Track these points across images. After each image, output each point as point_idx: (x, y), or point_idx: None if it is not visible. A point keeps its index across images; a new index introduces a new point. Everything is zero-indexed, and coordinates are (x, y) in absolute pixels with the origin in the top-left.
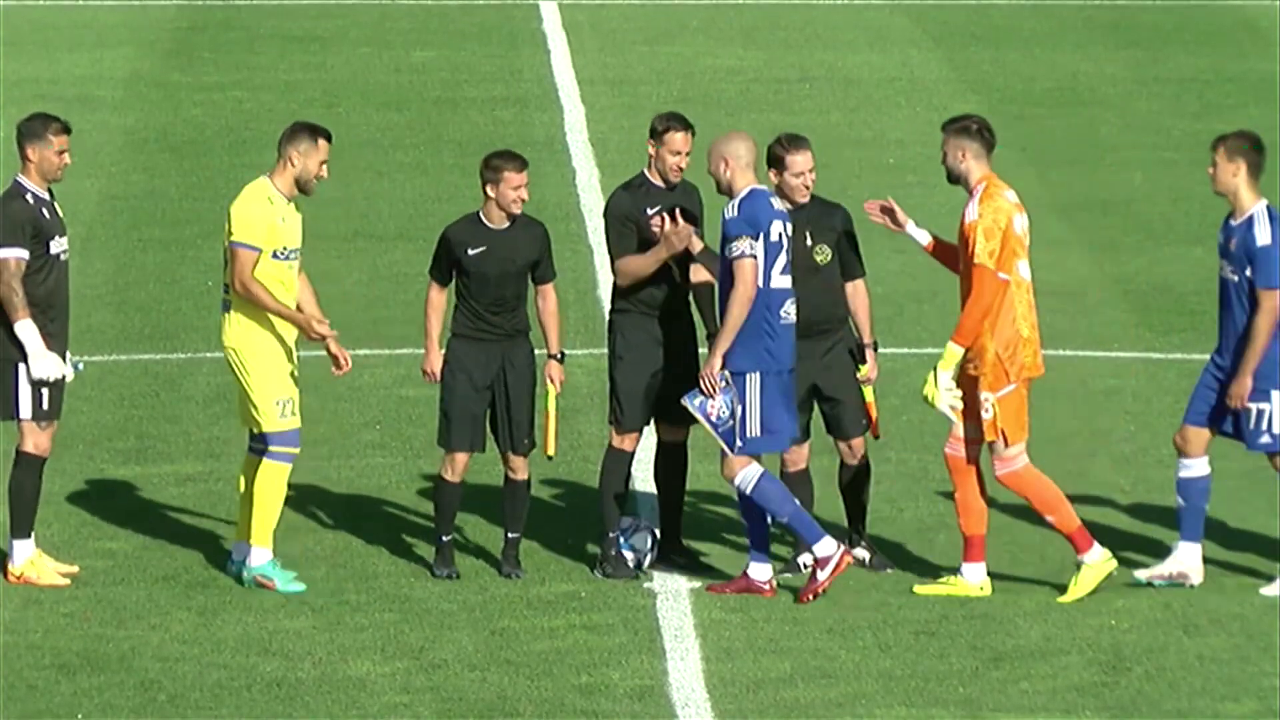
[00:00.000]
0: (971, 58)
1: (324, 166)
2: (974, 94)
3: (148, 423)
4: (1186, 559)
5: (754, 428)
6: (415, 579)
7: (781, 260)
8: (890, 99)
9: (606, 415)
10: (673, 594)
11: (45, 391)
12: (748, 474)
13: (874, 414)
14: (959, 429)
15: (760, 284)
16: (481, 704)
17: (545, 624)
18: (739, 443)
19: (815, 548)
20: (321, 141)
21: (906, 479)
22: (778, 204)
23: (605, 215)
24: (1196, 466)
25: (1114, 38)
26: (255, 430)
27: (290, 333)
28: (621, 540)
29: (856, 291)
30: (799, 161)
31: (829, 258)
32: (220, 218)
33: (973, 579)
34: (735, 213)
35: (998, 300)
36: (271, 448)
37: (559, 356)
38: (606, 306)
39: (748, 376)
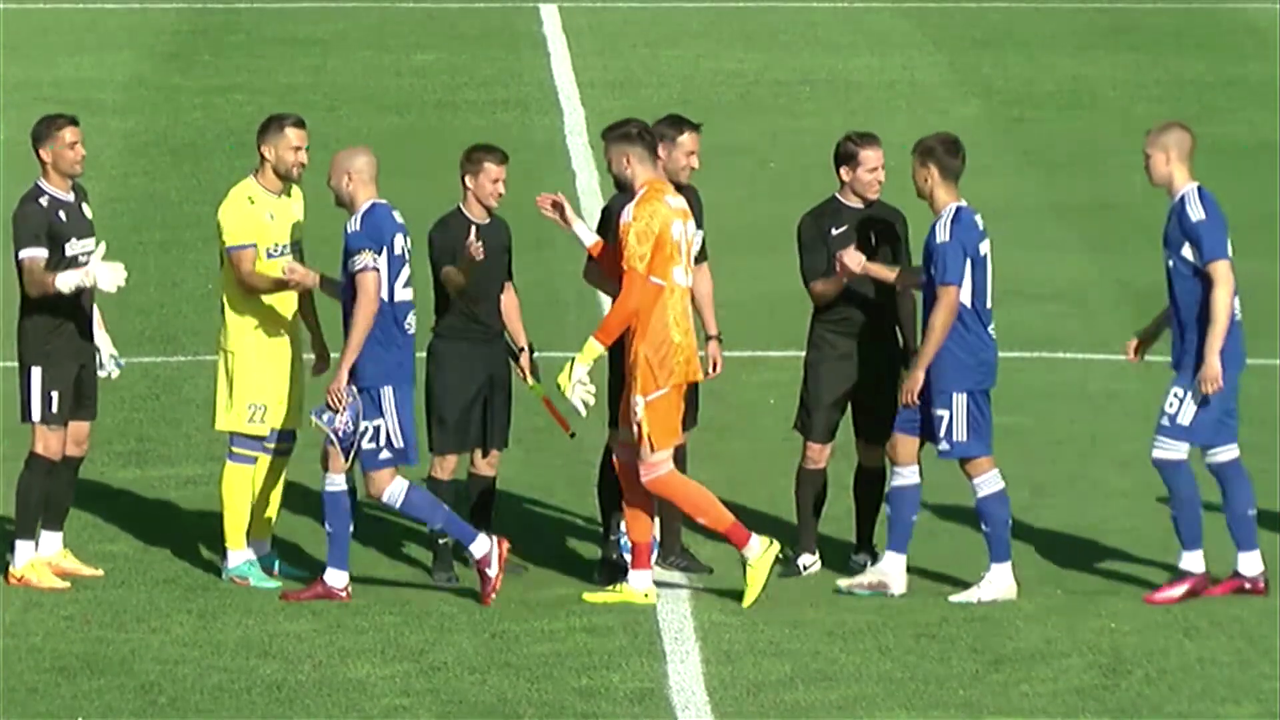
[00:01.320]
0: (972, 61)
1: (300, 152)
2: (974, 97)
3: (148, 425)
4: (889, 568)
5: (397, 439)
6: (415, 581)
7: (405, 273)
8: (891, 102)
9: (606, 419)
10: (672, 596)
11: (56, 395)
12: (393, 490)
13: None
14: (647, 456)
15: (385, 297)
16: (482, 706)
17: (545, 626)
18: (386, 454)
19: (471, 548)
20: (289, 129)
21: None
22: (398, 217)
23: (605, 218)
24: (906, 475)
25: (1114, 41)
26: (218, 428)
27: (285, 338)
28: (622, 544)
29: (904, 298)
30: (871, 157)
31: (889, 260)
32: (214, 220)
33: (638, 585)
34: (358, 226)
35: (646, 304)
36: (234, 449)
37: (529, 349)
38: (606, 308)
39: (381, 390)
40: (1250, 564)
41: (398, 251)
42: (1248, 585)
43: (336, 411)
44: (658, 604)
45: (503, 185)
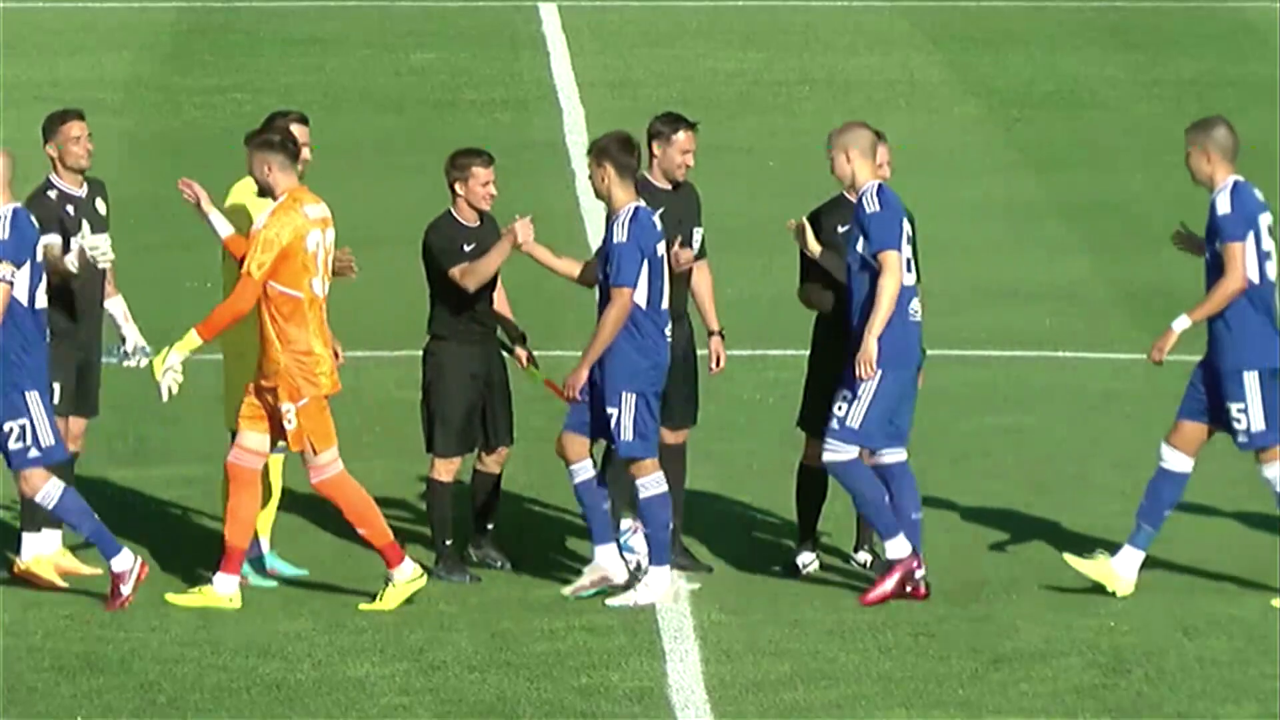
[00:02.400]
0: (971, 61)
1: (304, 149)
2: (974, 97)
3: (148, 425)
4: (602, 560)
5: (46, 438)
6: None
7: (44, 281)
8: (890, 101)
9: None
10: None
11: (56, 386)
12: (48, 490)
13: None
14: (248, 439)
15: (25, 304)
16: (481, 705)
17: (545, 626)
18: (35, 453)
19: (112, 561)
20: (294, 126)
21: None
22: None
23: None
24: (580, 472)
25: (1113, 40)
26: (228, 426)
27: None
28: (621, 543)
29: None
30: (879, 154)
31: None
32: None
33: (223, 589)
34: (4, 235)
35: (284, 314)
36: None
37: (524, 337)
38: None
39: (27, 393)
40: (898, 548)
41: (39, 259)
42: (901, 570)
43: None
44: (656, 605)
45: (493, 187)
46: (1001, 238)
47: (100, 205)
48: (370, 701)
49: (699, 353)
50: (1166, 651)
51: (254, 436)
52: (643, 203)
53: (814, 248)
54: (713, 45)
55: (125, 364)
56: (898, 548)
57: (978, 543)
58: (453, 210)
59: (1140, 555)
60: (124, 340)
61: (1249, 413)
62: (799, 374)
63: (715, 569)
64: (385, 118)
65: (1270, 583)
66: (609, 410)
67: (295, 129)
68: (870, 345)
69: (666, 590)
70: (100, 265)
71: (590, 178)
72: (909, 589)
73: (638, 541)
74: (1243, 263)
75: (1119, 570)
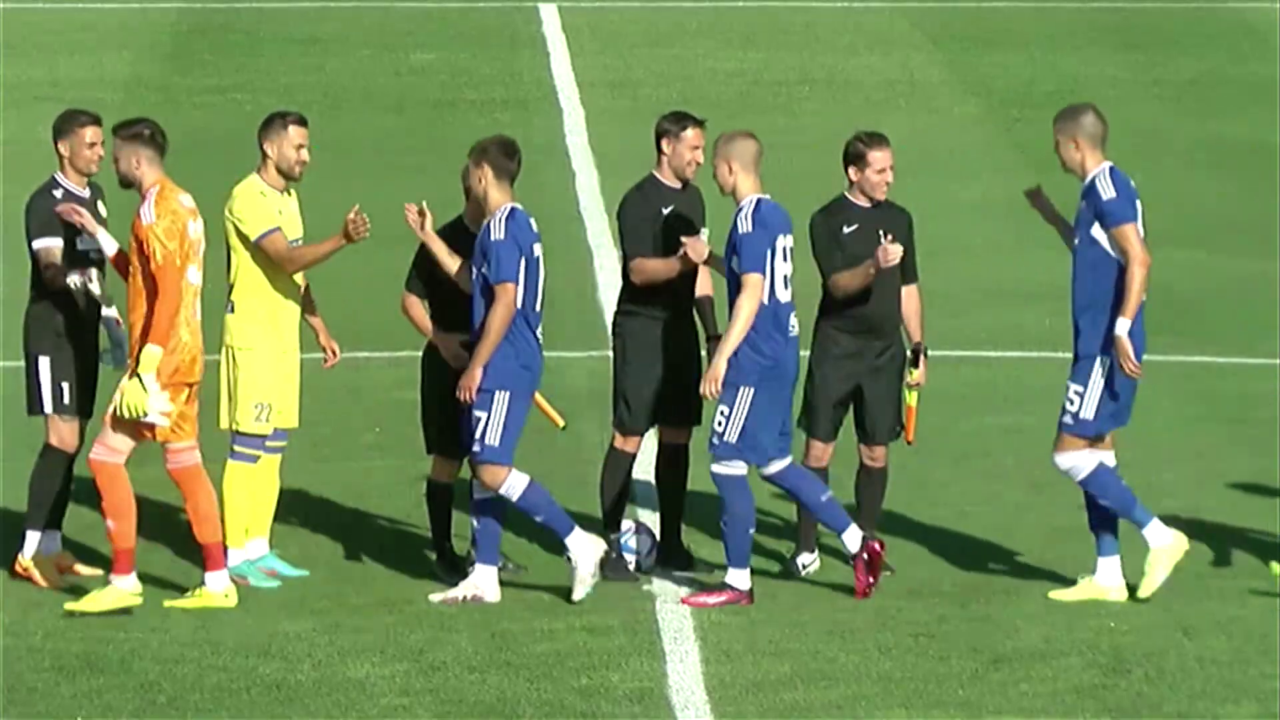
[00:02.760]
0: (971, 60)
1: (302, 150)
2: (974, 96)
3: None
4: (480, 580)
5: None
6: (415, 581)
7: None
8: (890, 101)
9: (610, 417)
10: (672, 596)
11: (66, 385)
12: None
13: (912, 420)
14: (110, 438)
15: None
16: (481, 706)
17: (545, 626)
18: None
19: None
20: (292, 126)
21: (910, 486)
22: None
23: (621, 216)
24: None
25: (1114, 40)
26: (222, 426)
27: (292, 337)
28: (622, 542)
29: (910, 296)
30: (880, 158)
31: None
32: (220, 220)
33: (215, 587)
34: None
35: (179, 298)
36: (237, 447)
37: None
38: (607, 309)
39: None
40: (740, 579)
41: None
42: (730, 598)
43: None
44: (657, 603)
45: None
46: (1002, 238)
47: (101, 208)
48: (370, 702)
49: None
50: (1166, 651)
51: (119, 438)
52: (520, 205)
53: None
54: (713, 45)
55: (118, 369)
56: (739, 579)
57: (978, 543)
58: (465, 217)
59: (1115, 559)
60: (118, 345)
61: (1085, 399)
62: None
63: (715, 569)
64: (385, 118)
65: (1270, 584)
66: (477, 412)
67: (293, 130)
68: (719, 366)
69: (493, 589)
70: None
71: (464, 178)
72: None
73: (636, 541)
74: (1139, 241)
75: (1104, 583)
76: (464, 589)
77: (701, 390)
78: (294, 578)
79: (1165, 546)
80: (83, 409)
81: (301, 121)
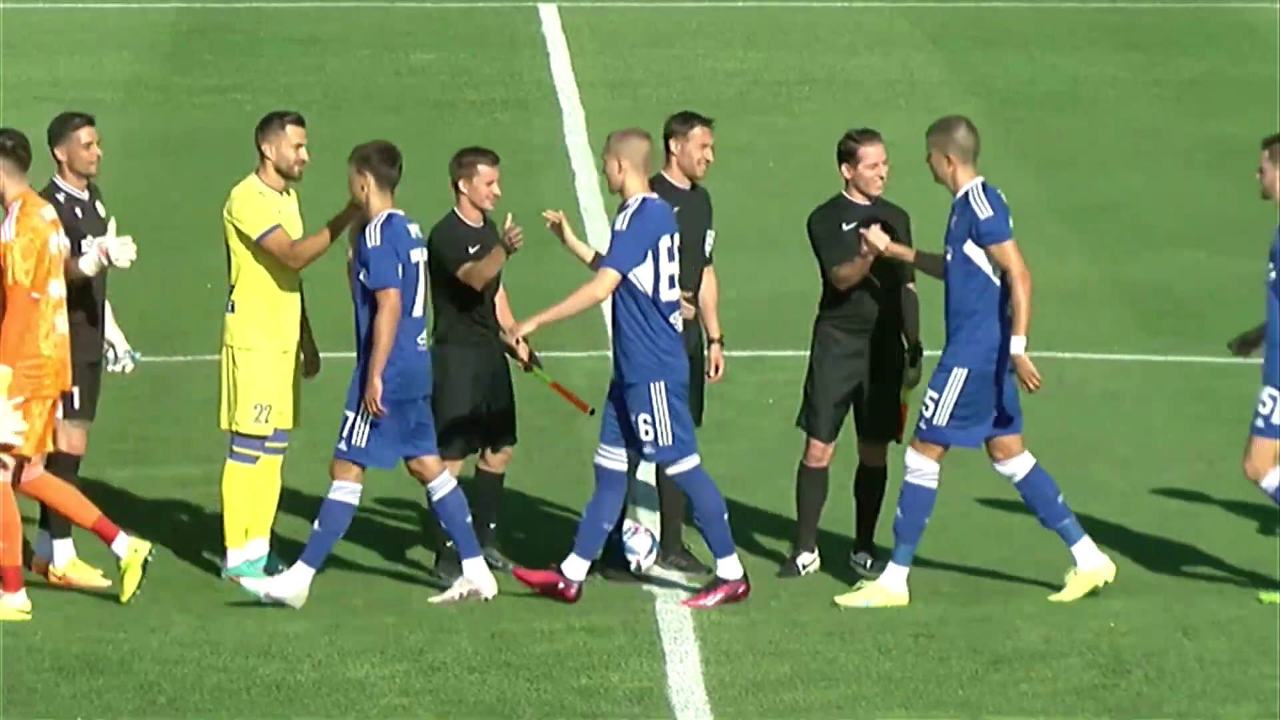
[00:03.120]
0: (971, 60)
1: (300, 149)
2: (973, 97)
3: (148, 425)
4: (472, 573)
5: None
6: (415, 581)
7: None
8: (890, 101)
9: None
10: (672, 596)
11: (77, 391)
12: None
13: (904, 419)
14: None
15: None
16: (481, 706)
17: (545, 626)
18: None
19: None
20: (290, 126)
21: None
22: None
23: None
24: (440, 487)
25: (1114, 40)
26: (223, 426)
27: (292, 337)
28: (622, 543)
29: (907, 296)
30: (871, 153)
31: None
32: (220, 221)
33: (13, 603)
34: None
35: (30, 316)
36: (236, 448)
37: (527, 338)
38: (607, 309)
39: None
40: (729, 568)
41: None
42: (726, 591)
43: None
44: (657, 603)
45: (497, 186)
46: None
47: (100, 207)
48: (370, 702)
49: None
50: (1166, 652)
51: None
52: (399, 212)
53: (906, 253)
54: (713, 45)
55: (112, 369)
56: (729, 568)
57: (977, 543)
58: (456, 210)
59: (1085, 541)
60: (112, 345)
61: (940, 406)
62: (798, 374)
63: (714, 570)
64: (385, 118)
65: (1271, 584)
66: (346, 413)
67: (290, 129)
68: (535, 320)
69: (300, 592)
70: (120, 264)
71: (349, 184)
72: (727, 593)
73: (637, 541)
74: (1019, 257)
75: (1088, 567)
76: (459, 587)
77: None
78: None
79: (891, 594)
80: (88, 412)
81: (299, 121)
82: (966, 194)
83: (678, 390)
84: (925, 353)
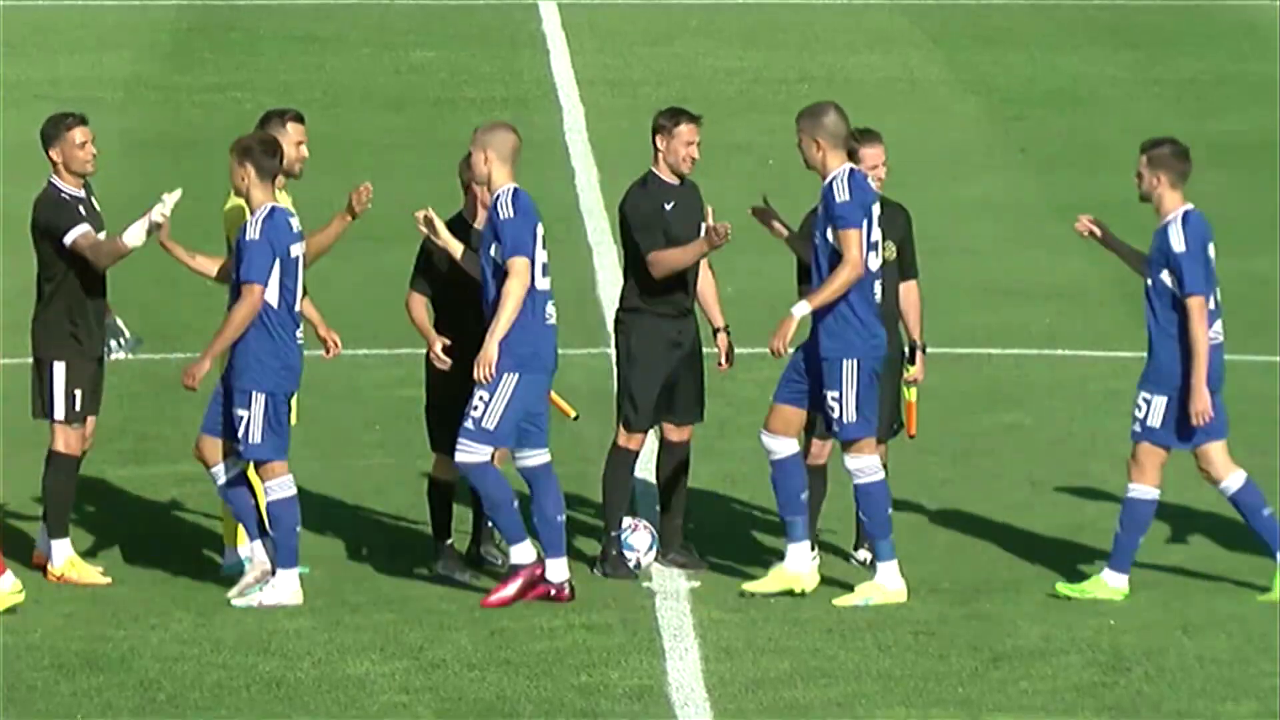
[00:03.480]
0: (971, 59)
1: (301, 146)
2: (973, 95)
3: (147, 423)
4: (261, 555)
5: None
6: (414, 579)
7: None
8: (890, 100)
9: (614, 415)
10: (672, 593)
11: (79, 393)
12: None
13: (913, 415)
14: None
15: None
16: (480, 704)
17: (544, 624)
18: None
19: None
20: (290, 124)
21: (910, 484)
22: None
23: (628, 212)
24: (277, 489)
25: (1114, 39)
26: None
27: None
28: (621, 540)
29: (909, 292)
30: (870, 155)
31: (894, 255)
32: (220, 219)
33: None
34: None
35: None
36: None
37: None
38: (607, 307)
39: None
40: (557, 570)
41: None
42: (525, 577)
43: None
44: (657, 600)
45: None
46: (1002, 236)
47: (95, 204)
48: (370, 699)
49: (705, 350)
50: (1166, 649)
51: None
52: (281, 204)
53: (780, 229)
54: (713, 43)
55: (114, 356)
56: (522, 553)
57: (978, 541)
58: (465, 213)
59: (891, 565)
60: (114, 334)
61: (843, 402)
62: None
63: (715, 566)
64: (385, 116)
65: (1269, 582)
66: (238, 412)
67: (291, 127)
68: (491, 349)
69: (295, 592)
70: (165, 214)
71: (231, 177)
72: (540, 590)
73: (637, 538)
74: (861, 250)
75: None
76: (266, 595)
77: (475, 375)
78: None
79: (800, 573)
80: (96, 406)
81: (299, 119)
82: (832, 180)
83: (540, 381)
84: (932, 350)
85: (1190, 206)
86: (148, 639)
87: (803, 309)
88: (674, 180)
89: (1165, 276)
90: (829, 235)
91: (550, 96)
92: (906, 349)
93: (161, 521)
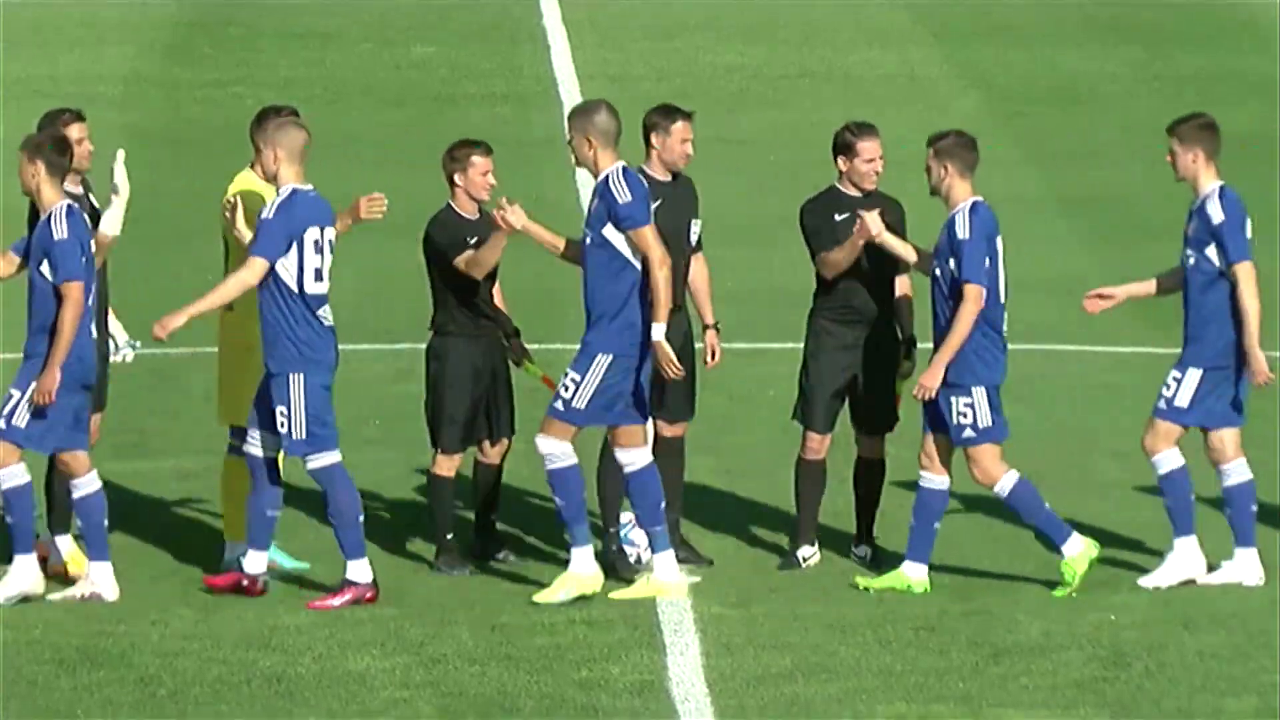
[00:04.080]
0: (971, 55)
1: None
2: (974, 91)
3: (147, 418)
4: (95, 578)
5: None
6: (415, 574)
7: None
8: (890, 96)
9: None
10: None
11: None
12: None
13: (897, 407)
14: None
15: None
16: (481, 699)
17: (545, 619)
18: None
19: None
20: (74, 125)
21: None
22: None
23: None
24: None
25: (1114, 36)
26: (233, 423)
27: None
28: (621, 536)
29: (901, 286)
30: (868, 148)
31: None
32: (219, 215)
33: None
34: None
35: None
36: (235, 443)
37: (518, 333)
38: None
39: None
40: (360, 571)
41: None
42: (354, 594)
43: None
44: (656, 598)
45: (491, 176)
46: (1002, 231)
47: (94, 200)
48: (370, 695)
49: (695, 346)
50: (1167, 645)
51: None
52: (74, 202)
53: (899, 249)
54: (713, 39)
55: (113, 359)
56: (358, 571)
57: (978, 536)
58: (452, 204)
59: (668, 553)
60: (113, 337)
61: (580, 388)
62: (796, 367)
63: (715, 562)
64: (386, 111)
65: (1270, 577)
66: (13, 391)
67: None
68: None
69: (110, 587)
70: (121, 185)
71: (20, 172)
72: (358, 595)
73: (637, 535)
74: (658, 242)
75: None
76: (80, 588)
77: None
78: (294, 571)
79: (584, 575)
80: (100, 403)
81: (295, 115)
82: (606, 178)
83: (325, 383)
84: (921, 346)
85: (979, 198)
86: (148, 634)
87: (660, 330)
88: (666, 177)
89: (951, 264)
90: (604, 233)
91: (550, 92)
92: (903, 344)
93: (161, 517)
